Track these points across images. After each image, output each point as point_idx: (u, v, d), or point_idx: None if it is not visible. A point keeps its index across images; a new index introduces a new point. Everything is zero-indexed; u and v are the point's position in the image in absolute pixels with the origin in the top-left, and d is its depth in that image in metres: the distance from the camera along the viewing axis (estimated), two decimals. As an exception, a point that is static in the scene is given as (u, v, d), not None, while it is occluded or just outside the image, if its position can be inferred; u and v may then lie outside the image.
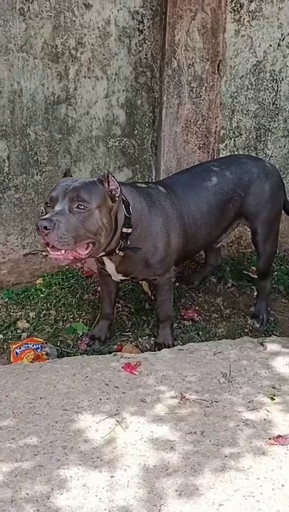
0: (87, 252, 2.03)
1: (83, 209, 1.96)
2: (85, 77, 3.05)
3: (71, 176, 2.22)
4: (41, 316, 2.74)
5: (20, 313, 2.76)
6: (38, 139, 3.07)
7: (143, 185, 2.41)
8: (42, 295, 2.85)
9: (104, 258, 2.26)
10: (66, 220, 1.91)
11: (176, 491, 1.43)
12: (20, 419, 1.70)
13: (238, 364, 2.01)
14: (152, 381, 1.90)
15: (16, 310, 2.80)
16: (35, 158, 3.10)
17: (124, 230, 2.15)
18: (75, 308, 2.81)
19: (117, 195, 2.06)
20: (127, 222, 2.15)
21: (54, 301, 2.83)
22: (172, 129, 3.16)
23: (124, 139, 3.23)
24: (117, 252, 2.16)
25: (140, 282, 2.88)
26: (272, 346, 2.15)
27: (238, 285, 3.15)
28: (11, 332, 2.62)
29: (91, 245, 2.03)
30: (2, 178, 3.08)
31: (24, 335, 2.61)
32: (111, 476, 1.49)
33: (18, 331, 2.64)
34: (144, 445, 1.60)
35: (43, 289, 2.88)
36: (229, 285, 3.15)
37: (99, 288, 2.98)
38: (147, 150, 3.28)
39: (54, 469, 1.50)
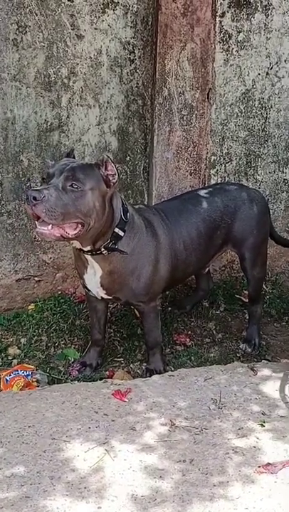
0: (75, 232, 2.03)
1: (76, 188, 1.99)
2: (77, 105, 3.10)
3: (73, 158, 2.25)
4: (32, 342, 2.73)
5: (11, 339, 2.76)
6: (31, 166, 3.11)
7: (139, 207, 2.44)
8: (33, 321, 2.85)
9: (92, 261, 2.22)
10: (57, 195, 1.94)
11: (164, 521, 1.41)
12: (8, 448, 1.69)
13: (229, 390, 2.01)
14: (142, 408, 1.89)
15: (7, 336, 2.79)
16: (27, 184, 3.13)
17: (117, 230, 2.16)
18: (66, 333, 2.81)
19: (113, 180, 2.10)
20: (121, 224, 2.16)
21: (46, 327, 2.83)
22: (164, 156, 3.20)
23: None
24: (102, 249, 2.15)
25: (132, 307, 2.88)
26: (263, 371, 2.15)
27: (231, 309, 3.16)
28: (2, 359, 2.61)
29: (80, 226, 2.04)
30: (-5, 204, 3.10)
31: (15, 361, 2.60)
32: (98, 507, 1.47)
33: (9, 358, 2.63)
34: (133, 474, 1.58)
35: (35, 315, 2.87)
36: (221, 309, 3.16)
37: (90, 313, 2.98)
38: (139, 176, 3.32)
39: (41, 500, 1.48)
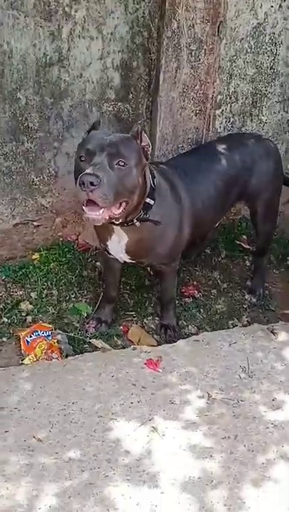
0: (120, 211, 1.94)
1: (123, 165, 1.88)
2: (79, 36, 2.85)
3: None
4: (43, 296, 2.71)
5: (20, 293, 2.71)
6: (29, 104, 2.90)
7: (160, 167, 2.33)
8: (41, 273, 2.80)
9: (119, 230, 2.15)
10: (108, 177, 1.82)
11: (225, 505, 1.52)
12: (58, 429, 1.72)
13: (254, 356, 2.09)
14: (176, 379, 1.95)
15: (16, 289, 2.74)
16: (25, 124, 2.95)
17: (148, 200, 2.08)
18: (76, 286, 2.79)
19: (148, 152, 2.01)
20: (151, 193, 2.09)
21: (54, 280, 2.79)
22: (169, 95, 3.04)
23: (119, 104, 3.09)
24: (135, 221, 2.07)
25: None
26: (283, 335, 2.23)
27: (231, 256, 3.20)
28: (15, 315, 2.58)
29: (124, 204, 1.93)
30: (-10, 146, 2.92)
31: (29, 318, 2.58)
32: (161, 492, 1.56)
33: (23, 314, 2.60)
34: (184, 454, 1.67)
35: (42, 267, 2.82)
36: (223, 256, 3.20)
37: (97, 263, 2.96)
38: (142, 115, 3.17)
39: (104, 487, 1.55)
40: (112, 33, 2.90)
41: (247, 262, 3.20)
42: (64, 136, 3.05)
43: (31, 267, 2.82)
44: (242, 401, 1.87)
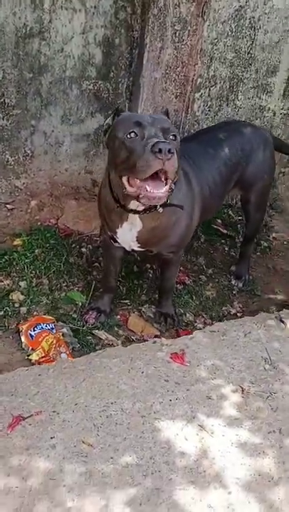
0: (168, 190, 1.77)
1: (174, 139, 1.78)
2: (61, 7, 2.69)
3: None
4: (33, 285, 2.55)
5: (8, 282, 2.54)
6: (6, 78, 2.70)
7: None
8: (27, 260, 2.63)
9: (134, 217, 2.01)
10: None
11: (290, 501, 1.53)
12: (105, 432, 1.64)
13: (271, 346, 2.12)
14: (205, 373, 1.93)
15: (2, 278, 2.56)
16: (1, 100, 2.74)
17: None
18: (65, 274, 2.65)
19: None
20: None
21: (42, 267, 2.63)
22: (152, 75, 2.96)
23: (99, 82, 2.95)
24: (158, 207, 1.93)
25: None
26: (290, 322, 2.28)
27: (210, 240, 3.21)
28: (8, 307, 2.41)
29: (169, 182, 1.76)
30: None
31: (23, 309, 2.42)
32: (228, 492, 1.53)
33: (16, 305, 2.43)
34: (238, 452, 1.65)
35: (27, 254, 2.65)
36: (202, 241, 3.20)
37: (82, 249, 2.85)
38: (122, 95, 3.05)
39: (173, 492, 1.50)
40: (95, 7, 2.75)
41: (225, 246, 3.22)
42: (42, 114, 2.87)
43: (15, 254, 2.64)
44: (274, 393, 1.89)
